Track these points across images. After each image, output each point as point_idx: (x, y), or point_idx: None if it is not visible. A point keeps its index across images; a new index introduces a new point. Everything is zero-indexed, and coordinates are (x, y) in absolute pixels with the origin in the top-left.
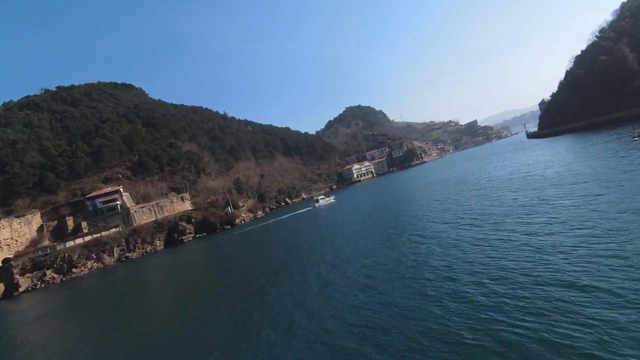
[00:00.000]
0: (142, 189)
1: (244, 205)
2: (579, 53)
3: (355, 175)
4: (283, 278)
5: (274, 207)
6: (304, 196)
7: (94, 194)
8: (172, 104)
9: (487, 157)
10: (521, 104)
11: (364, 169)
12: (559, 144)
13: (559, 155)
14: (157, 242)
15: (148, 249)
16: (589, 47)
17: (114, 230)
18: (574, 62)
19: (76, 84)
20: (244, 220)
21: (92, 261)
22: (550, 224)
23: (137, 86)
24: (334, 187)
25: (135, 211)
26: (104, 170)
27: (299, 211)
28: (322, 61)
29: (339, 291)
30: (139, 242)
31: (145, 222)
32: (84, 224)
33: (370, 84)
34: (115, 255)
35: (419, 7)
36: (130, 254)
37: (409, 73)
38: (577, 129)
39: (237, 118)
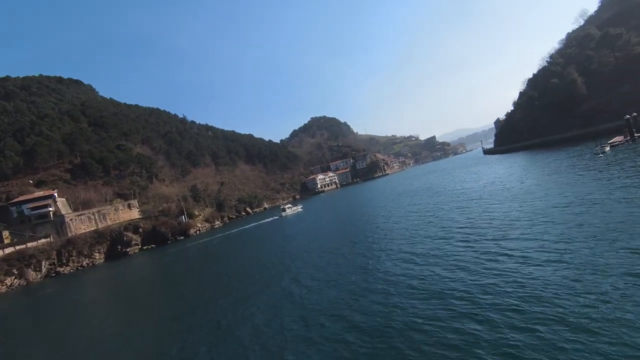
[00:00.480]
0: (83, 194)
1: (200, 215)
2: (531, 76)
3: (319, 186)
4: (241, 301)
5: (234, 216)
6: (266, 206)
7: (20, 198)
8: (125, 103)
9: (450, 170)
10: (474, 124)
11: (328, 179)
12: (518, 159)
13: (527, 170)
14: (97, 254)
15: (85, 262)
16: (539, 71)
17: (43, 240)
18: (527, 84)
19: (12, 75)
20: (199, 230)
21: (13, 277)
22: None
23: (86, 83)
24: (297, 196)
25: (71, 219)
26: (37, 172)
27: (264, 220)
28: (288, 70)
29: (312, 327)
30: (73, 254)
31: (84, 231)
32: (5, 234)
33: (337, 97)
34: (43, 270)
35: (387, 27)
36: (62, 269)
37: (373, 88)
38: (531, 146)
39: (197, 122)
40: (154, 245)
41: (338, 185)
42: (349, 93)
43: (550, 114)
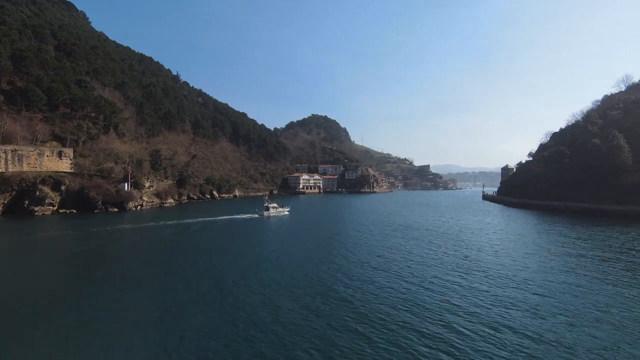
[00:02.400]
0: (9, 125)
1: (151, 186)
2: (557, 130)
3: (301, 186)
4: None
5: (196, 197)
6: (238, 193)
7: None
8: (115, 42)
9: (449, 210)
10: (466, 164)
11: (312, 181)
12: (537, 219)
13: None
14: None
15: None
16: (569, 127)
17: None
18: (551, 137)
19: None
20: (142, 206)
21: None
22: None
23: (79, 9)
24: (275, 192)
25: None
26: None
27: (238, 216)
28: (306, 62)
29: None
30: None
31: None
32: None
33: (344, 100)
34: None
35: (414, 52)
36: None
37: (382, 105)
38: (547, 208)
39: (191, 85)
40: (74, 211)
41: (321, 191)
42: (359, 101)
43: (580, 177)
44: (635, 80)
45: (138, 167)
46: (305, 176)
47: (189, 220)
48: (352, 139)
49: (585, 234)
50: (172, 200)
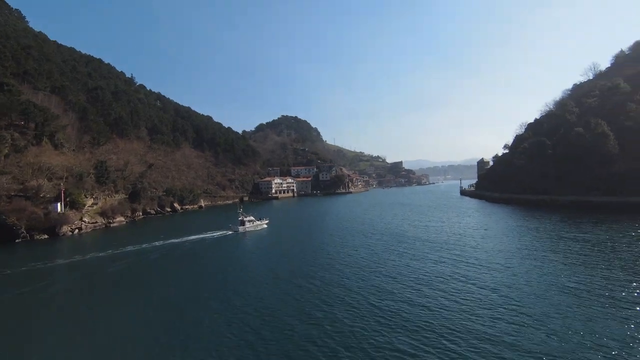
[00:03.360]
0: None
1: (95, 203)
2: (533, 121)
3: (274, 190)
4: None
5: (154, 212)
6: (204, 204)
7: None
8: (56, 42)
9: (431, 209)
10: (436, 158)
11: (285, 185)
12: (525, 216)
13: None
14: None
15: None
16: (544, 117)
17: None
18: (527, 128)
19: None
20: (81, 229)
21: None
22: None
23: (14, 7)
24: (246, 199)
25: None
26: None
27: (208, 235)
28: (270, 60)
29: None
30: None
31: None
32: None
33: (313, 100)
34: None
35: (380, 41)
36: None
37: (352, 104)
38: (531, 202)
39: (148, 89)
40: None
41: (295, 194)
42: (327, 100)
43: (565, 169)
44: (602, 68)
45: (78, 182)
46: (277, 180)
47: (146, 246)
48: (324, 139)
49: (601, 235)
50: (122, 218)
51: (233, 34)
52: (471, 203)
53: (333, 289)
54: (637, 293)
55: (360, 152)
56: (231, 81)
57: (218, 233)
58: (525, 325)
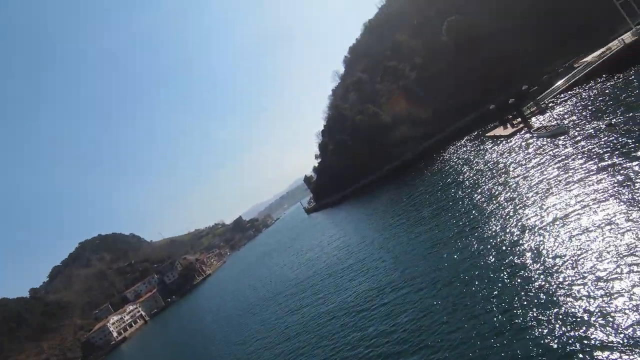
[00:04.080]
0: None
1: None
2: (323, 128)
3: (115, 334)
4: None
5: None
6: None
7: None
8: None
9: (298, 240)
10: (266, 196)
11: (128, 317)
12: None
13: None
14: None
15: None
16: (328, 120)
17: None
18: (322, 135)
19: None
20: None
21: None
22: None
23: None
24: None
25: None
26: None
27: None
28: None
29: None
30: None
31: None
32: None
33: (109, 209)
34: None
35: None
36: None
37: (154, 191)
38: (352, 193)
39: None
40: None
41: (146, 319)
42: (123, 200)
43: (365, 156)
44: (341, 72)
45: None
46: (114, 318)
47: None
48: (149, 239)
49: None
50: None
51: None
52: (320, 217)
53: None
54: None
55: (196, 230)
56: None
57: None
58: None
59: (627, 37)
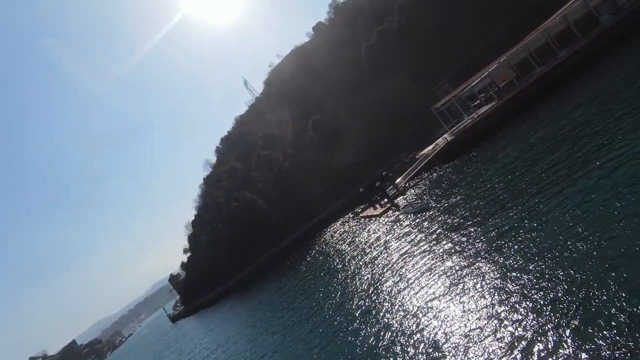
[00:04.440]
0: None
1: None
2: (193, 219)
3: None
4: None
5: None
6: None
7: None
8: None
9: None
10: (111, 311)
11: None
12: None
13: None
14: None
15: None
16: (199, 210)
17: None
18: (192, 225)
19: None
20: None
21: None
22: None
23: None
24: None
25: None
26: None
27: None
28: None
29: None
30: None
31: None
32: None
33: None
34: None
35: None
36: None
37: None
38: (242, 282)
39: None
40: None
41: None
42: None
43: (248, 240)
44: (213, 161)
45: None
46: None
47: None
48: None
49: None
50: None
51: None
52: (190, 324)
53: None
54: None
55: None
56: None
57: None
58: None
59: (448, 136)
